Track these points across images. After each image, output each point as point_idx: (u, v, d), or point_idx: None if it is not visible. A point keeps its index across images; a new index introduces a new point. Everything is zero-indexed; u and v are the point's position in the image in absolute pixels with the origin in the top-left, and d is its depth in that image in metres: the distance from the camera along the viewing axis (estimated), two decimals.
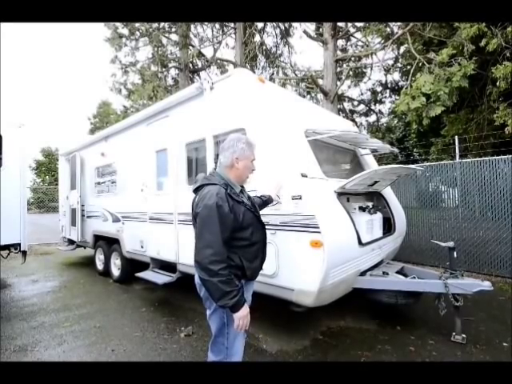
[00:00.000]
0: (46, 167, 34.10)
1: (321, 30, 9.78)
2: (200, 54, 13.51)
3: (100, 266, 5.72)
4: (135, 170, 4.68)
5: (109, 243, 5.38)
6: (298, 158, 2.85)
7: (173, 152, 3.90)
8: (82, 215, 6.18)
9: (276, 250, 2.74)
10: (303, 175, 2.69)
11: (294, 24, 12.05)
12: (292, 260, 2.64)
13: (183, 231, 3.74)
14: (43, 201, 18.12)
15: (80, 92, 72.70)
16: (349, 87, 12.10)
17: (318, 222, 2.46)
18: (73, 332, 3.34)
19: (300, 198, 2.58)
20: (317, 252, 2.46)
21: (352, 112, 12.19)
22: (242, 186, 1.93)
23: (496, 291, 4.04)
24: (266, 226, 2.80)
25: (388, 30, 8.51)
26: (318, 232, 2.45)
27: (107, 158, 5.43)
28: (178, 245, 3.79)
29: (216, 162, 3.37)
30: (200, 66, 14.12)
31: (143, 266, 4.46)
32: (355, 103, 12.20)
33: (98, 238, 5.78)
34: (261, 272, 2.82)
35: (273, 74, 13.40)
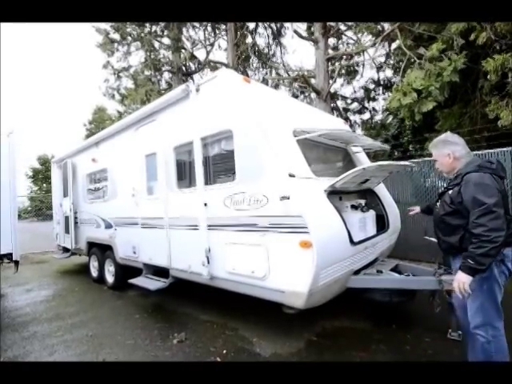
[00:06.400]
0: (43, 175, 33.99)
1: (312, 29, 9.76)
2: (192, 57, 13.48)
3: (94, 273, 5.66)
4: (126, 175, 4.63)
5: (102, 250, 5.33)
6: (285, 157, 2.80)
7: (162, 156, 3.86)
8: (76, 222, 6.13)
9: (266, 252, 2.70)
10: (291, 175, 2.65)
11: (286, 24, 12.03)
12: (282, 262, 2.60)
13: (175, 236, 3.70)
14: (41, 209, 18.03)
15: (76, 98, 72.68)
16: (342, 85, 12.10)
17: (307, 223, 2.43)
18: (64, 341, 3.28)
19: (288, 199, 2.54)
20: (306, 253, 2.42)
21: (346, 110, 12.17)
22: (456, 177, 2.11)
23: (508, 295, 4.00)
24: (255, 228, 2.79)
25: (379, 27, 8.51)
26: (307, 232, 2.42)
27: (98, 164, 5.38)
28: (169, 249, 3.75)
29: (205, 165, 3.33)
30: (193, 68, 14.09)
31: (137, 271, 4.41)
32: (348, 101, 12.20)
33: (91, 245, 5.73)
34: (251, 275, 2.81)
35: (266, 74, 13.38)
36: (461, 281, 1.88)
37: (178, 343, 3.07)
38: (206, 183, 3.28)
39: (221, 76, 3.12)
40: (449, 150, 2.13)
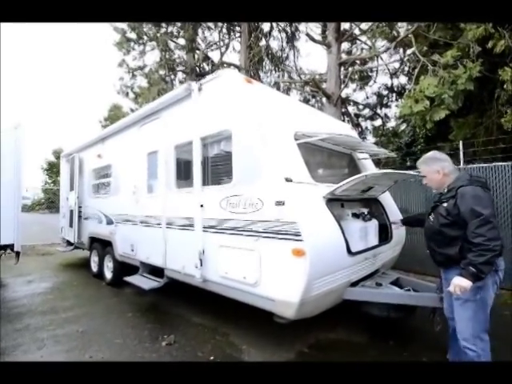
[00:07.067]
0: (57, 168, 34.74)
1: (326, 32, 9.66)
2: (206, 58, 13.55)
3: (94, 268, 5.68)
4: (128, 172, 4.63)
5: (103, 245, 5.34)
6: (283, 161, 2.72)
7: (163, 154, 3.83)
8: (80, 216, 6.18)
9: (259, 258, 2.61)
10: (288, 180, 2.56)
11: (300, 28, 11.95)
12: (274, 269, 2.51)
13: (171, 236, 3.65)
14: (53, 201, 18.45)
15: (94, 95, 74.66)
16: (354, 91, 11.92)
17: (301, 230, 2.33)
18: (55, 336, 3.27)
19: (283, 204, 2.45)
20: (299, 261, 2.33)
21: (357, 116, 11.99)
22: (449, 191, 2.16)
23: (499, 305, 3.80)
24: (249, 233, 2.71)
25: (394, 33, 8.34)
26: (300, 240, 2.32)
27: (103, 160, 5.41)
28: (165, 249, 3.71)
29: (203, 165, 3.27)
30: (207, 69, 14.14)
31: (136, 269, 4.38)
32: (360, 107, 12.00)
33: (93, 240, 5.75)
34: (243, 280, 2.73)
35: (278, 77, 13.31)
36: (460, 285, 1.91)
37: (167, 346, 3.00)
38: (204, 184, 3.23)
39: (223, 76, 3.07)
40: (438, 167, 2.23)
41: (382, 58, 8.71)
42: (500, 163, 4.62)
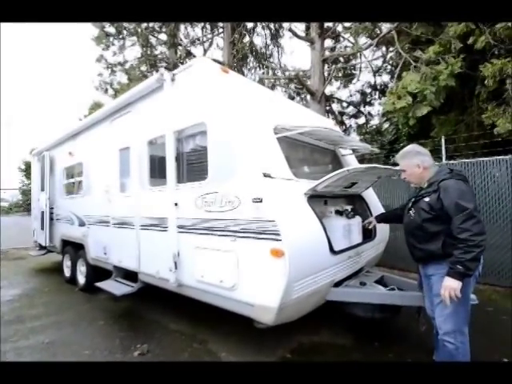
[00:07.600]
0: None
1: (310, 29, 9.56)
2: (189, 54, 13.22)
3: (67, 272, 5.36)
4: (100, 170, 4.35)
5: (75, 249, 5.02)
6: (261, 156, 2.55)
7: (135, 151, 3.59)
8: (51, 218, 5.82)
9: (236, 260, 2.44)
10: (266, 175, 2.40)
11: (284, 24, 11.81)
12: (252, 271, 2.34)
13: (145, 237, 3.42)
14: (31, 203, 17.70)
15: (73, 92, 72.33)
16: (338, 88, 11.90)
17: (279, 229, 2.17)
18: (17, 349, 2.99)
19: (261, 201, 2.28)
20: (278, 262, 2.16)
21: (341, 114, 11.98)
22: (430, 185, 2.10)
23: (484, 301, 3.77)
24: (226, 233, 2.53)
25: (377, 30, 8.32)
26: (279, 240, 2.16)
27: (75, 158, 5.09)
28: (139, 252, 3.47)
29: (177, 161, 3.07)
30: None
31: (110, 273, 4.11)
32: (344, 105, 12.00)
33: (65, 243, 5.42)
34: (219, 284, 2.55)
35: (263, 73, 13.15)
36: (452, 287, 1.86)
37: (139, 356, 2.78)
38: (178, 181, 3.02)
39: (197, 65, 2.87)
40: (418, 161, 2.18)
41: (364, 56, 8.69)
42: (482, 158, 4.62)
